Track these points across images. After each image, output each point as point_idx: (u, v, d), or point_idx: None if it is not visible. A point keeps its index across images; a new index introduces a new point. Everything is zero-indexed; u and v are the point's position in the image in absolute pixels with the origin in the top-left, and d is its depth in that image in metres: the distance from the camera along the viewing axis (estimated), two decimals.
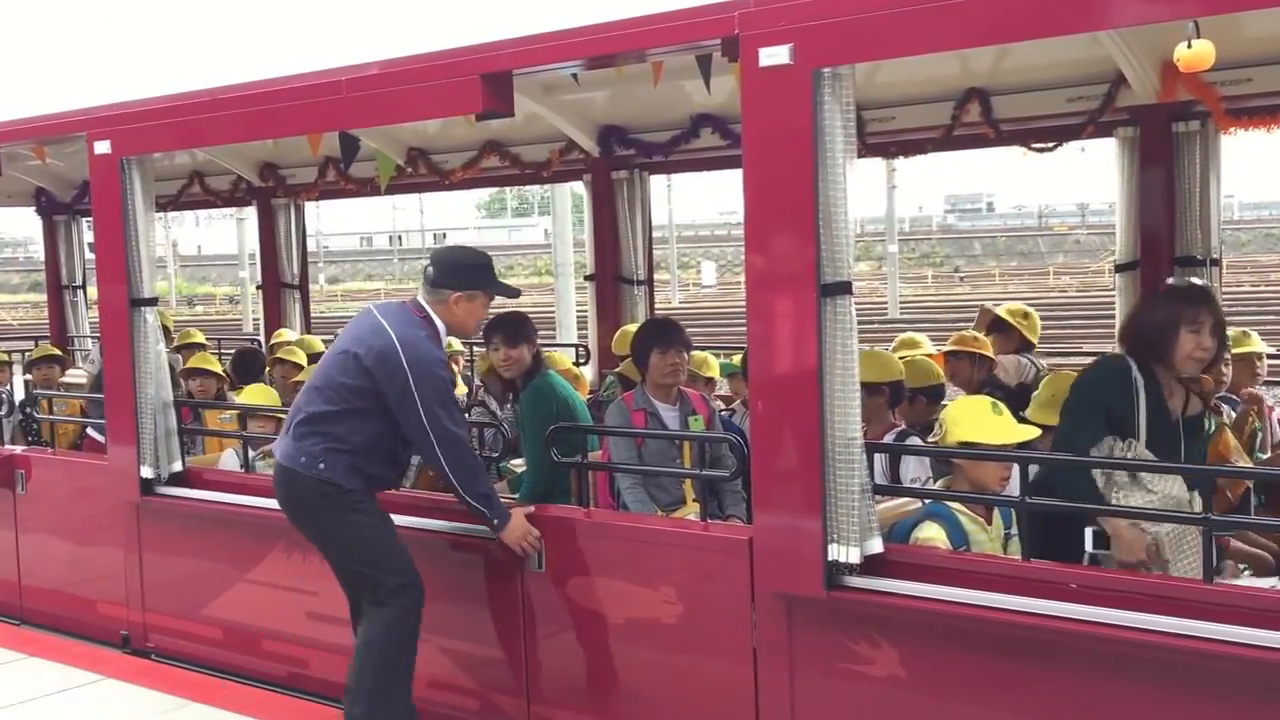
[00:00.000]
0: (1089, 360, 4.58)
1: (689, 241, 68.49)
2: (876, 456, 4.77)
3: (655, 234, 9.86)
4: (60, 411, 7.36)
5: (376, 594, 4.40)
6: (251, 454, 5.92)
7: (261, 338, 9.57)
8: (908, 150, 6.34)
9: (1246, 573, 4.25)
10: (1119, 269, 5.90)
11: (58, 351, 9.39)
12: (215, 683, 5.57)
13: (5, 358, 8.96)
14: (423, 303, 4.49)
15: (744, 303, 4.00)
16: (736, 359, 6.76)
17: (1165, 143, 5.49)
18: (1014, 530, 4.05)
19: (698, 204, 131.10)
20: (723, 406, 6.42)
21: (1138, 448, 3.94)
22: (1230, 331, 5.58)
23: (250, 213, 10.38)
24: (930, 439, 4.27)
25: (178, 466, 5.82)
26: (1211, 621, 3.18)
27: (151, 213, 5.75)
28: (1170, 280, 4.47)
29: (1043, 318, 6.68)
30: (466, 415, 5.79)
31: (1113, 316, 5.90)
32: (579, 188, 7.96)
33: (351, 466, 4.38)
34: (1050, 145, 5.93)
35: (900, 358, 5.65)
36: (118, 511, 6.09)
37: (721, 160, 6.88)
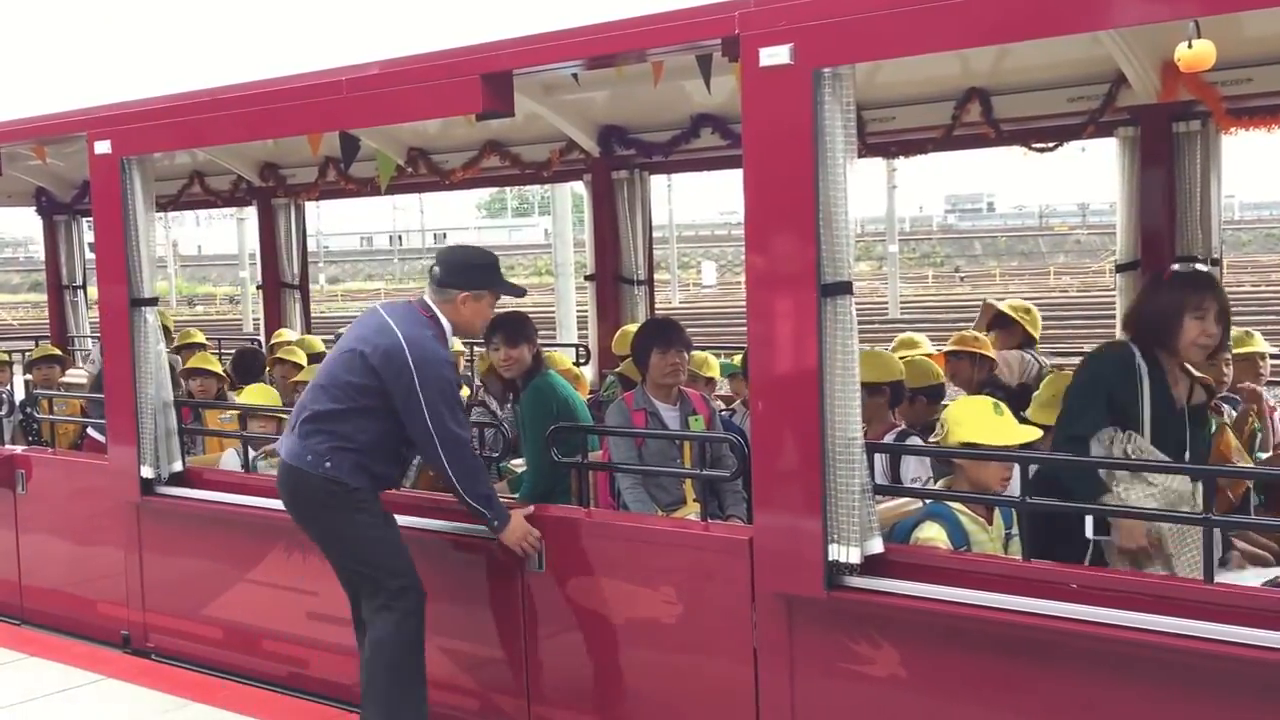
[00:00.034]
0: None
1: (689, 241, 68.53)
2: (877, 456, 4.77)
3: (655, 234, 9.87)
4: (60, 411, 7.36)
5: (378, 596, 4.39)
6: (253, 454, 5.92)
7: (262, 338, 9.57)
8: (908, 150, 6.34)
9: (1252, 566, 4.24)
10: (1120, 269, 5.90)
11: (58, 351, 9.38)
12: (216, 683, 5.57)
13: (5, 358, 8.96)
14: (429, 302, 4.49)
15: (744, 303, 4.00)
16: (737, 359, 6.76)
17: (1166, 143, 5.49)
18: (1015, 530, 4.05)
19: (698, 204, 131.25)
20: (723, 406, 6.42)
21: (1138, 439, 3.92)
22: (1233, 332, 5.59)
23: (250, 213, 10.38)
24: (932, 439, 4.26)
25: (178, 466, 5.82)
26: (1211, 621, 3.18)
27: (152, 212, 5.75)
28: (1175, 266, 4.45)
29: (1043, 318, 6.67)
30: (467, 415, 5.79)
31: (1113, 317, 5.89)
32: (579, 188, 7.96)
33: (357, 465, 4.37)
34: (1051, 145, 5.92)
35: (900, 358, 5.64)
36: (118, 511, 6.09)
37: (722, 160, 6.88)
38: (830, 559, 3.68)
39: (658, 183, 17.61)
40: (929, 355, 6.18)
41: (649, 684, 4.38)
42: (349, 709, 4.97)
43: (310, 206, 9.49)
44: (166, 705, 5.27)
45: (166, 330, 7.27)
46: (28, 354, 9.35)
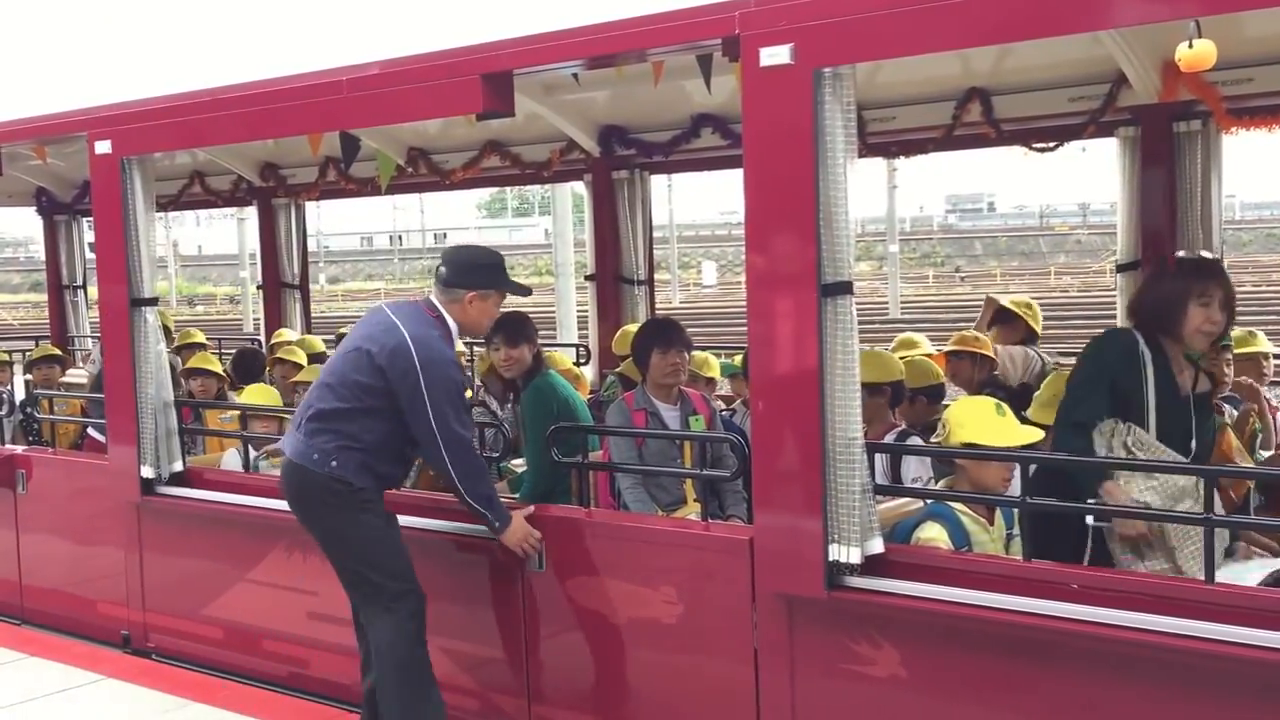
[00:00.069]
0: None
1: (689, 241, 68.53)
2: (877, 457, 4.77)
3: (656, 234, 9.86)
4: (61, 411, 7.36)
5: (379, 598, 4.39)
6: (254, 454, 5.92)
7: (262, 338, 9.57)
8: (908, 150, 6.33)
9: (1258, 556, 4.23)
10: (1120, 269, 5.89)
11: (58, 351, 9.39)
12: (216, 683, 5.57)
13: (6, 357, 8.96)
14: (435, 302, 4.49)
15: (744, 303, 4.00)
16: (737, 359, 6.76)
17: (1166, 142, 5.49)
18: (1016, 530, 4.05)
19: (698, 204, 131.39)
20: (723, 406, 6.42)
21: (1138, 431, 3.90)
22: (1235, 332, 5.59)
23: (251, 212, 10.38)
24: (934, 439, 4.26)
25: (178, 466, 5.83)
26: (1211, 621, 3.18)
27: (152, 212, 5.75)
28: (1180, 253, 4.44)
29: (1044, 318, 6.67)
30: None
31: (1114, 317, 5.89)
32: (579, 188, 7.96)
33: (363, 465, 4.37)
34: (1051, 145, 5.91)
35: (899, 358, 5.64)
36: (118, 511, 6.09)
37: (722, 160, 6.87)
38: (831, 559, 3.68)
39: (658, 183, 17.64)
40: (929, 355, 6.18)
41: (649, 684, 4.38)
42: (349, 709, 4.97)
43: (310, 206, 9.49)
44: (167, 705, 5.27)
45: (167, 330, 7.27)
46: (28, 354, 9.35)
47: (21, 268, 68.56)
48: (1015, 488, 3.97)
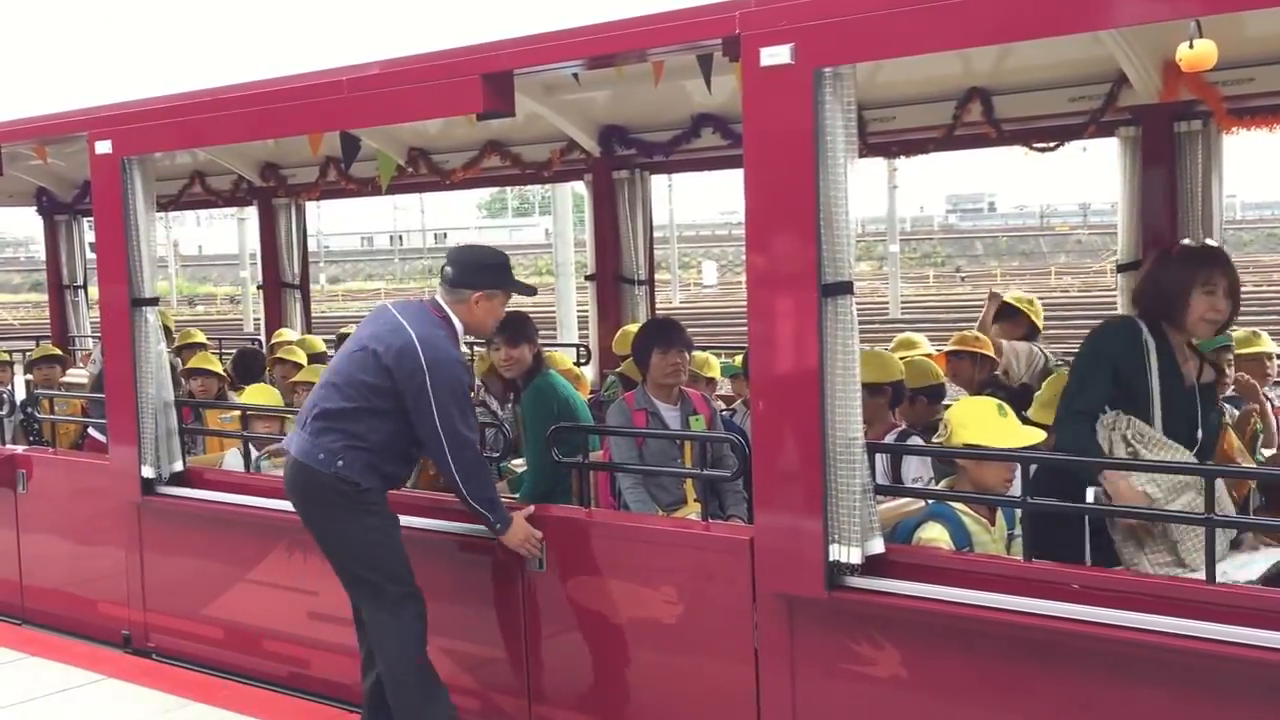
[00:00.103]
0: None
1: (690, 241, 68.53)
2: (878, 457, 4.76)
3: (656, 234, 9.85)
4: (61, 411, 7.36)
5: (379, 600, 4.39)
6: (255, 454, 5.92)
7: (262, 338, 9.57)
8: (909, 150, 6.33)
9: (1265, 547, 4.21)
10: (1121, 269, 5.90)
11: (58, 351, 9.40)
12: (216, 683, 5.57)
13: (6, 357, 8.96)
14: (441, 303, 4.49)
15: (745, 303, 3.99)
16: (738, 359, 6.76)
17: (1167, 142, 5.49)
18: (1018, 530, 4.04)
19: (698, 204, 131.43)
20: (724, 406, 6.42)
21: (1138, 424, 3.87)
22: (1238, 332, 5.59)
23: (251, 212, 10.38)
24: (935, 440, 4.26)
25: (179, 466, 5.83)
26: (1212, 621, 3.18)
27: (152, 212, 5.75)
28: (1185, 241, 4.41)
29: (1045, 318, 6.67)
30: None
31: None
32: (580, 187, 7.96)
33: (369, 465, 4.37)
34: (1052, 145, 5.92)
35: (899, 358, 5.64)
36: (119, 511, 6.09)
37: (722, 160, 6.87)
38: (831, 559, 3.68)
39: (658, 182, 17.65)
40: (929, 355, 6.18)
41: (650, 684, 4.38)
42: (349, 709, 4.98)
43: (311, 206, 9.50)
44: (167, 705, 5.27)
45: (167, 330, 7.27)
46: (28, 354, 9.36)
47: (22, 268, 68.57)
48: (1016, 489, 3.97)
